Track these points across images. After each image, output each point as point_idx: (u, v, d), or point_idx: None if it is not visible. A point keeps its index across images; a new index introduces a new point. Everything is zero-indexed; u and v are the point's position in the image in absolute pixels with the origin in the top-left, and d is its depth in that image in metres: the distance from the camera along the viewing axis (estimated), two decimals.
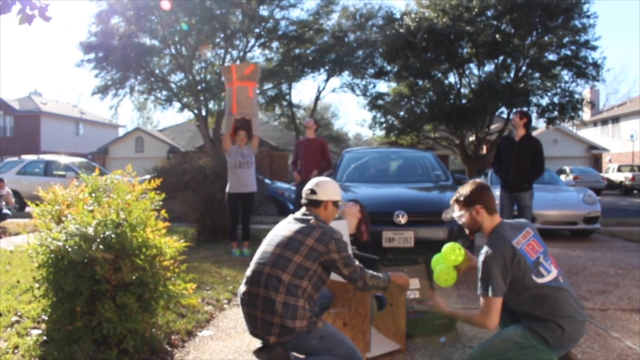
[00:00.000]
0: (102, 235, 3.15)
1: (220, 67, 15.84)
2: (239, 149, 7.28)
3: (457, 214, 3.04)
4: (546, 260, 2.84)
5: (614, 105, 45.29)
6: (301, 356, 2.85)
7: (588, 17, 20.52)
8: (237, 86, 7.37)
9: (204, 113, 22.19)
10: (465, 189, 3.00)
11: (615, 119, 38.49)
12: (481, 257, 2.84)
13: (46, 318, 3.32)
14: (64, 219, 3.35)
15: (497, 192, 6.58)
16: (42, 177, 14.91)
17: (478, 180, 3.08)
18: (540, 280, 2.77)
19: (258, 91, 24.42)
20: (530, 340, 2.76)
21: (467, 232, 3.04)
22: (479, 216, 2.94)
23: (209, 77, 22.09)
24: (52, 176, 14.66)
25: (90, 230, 3.15)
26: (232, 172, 7.25)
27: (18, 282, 4.85)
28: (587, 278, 6.02)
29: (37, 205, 3.52)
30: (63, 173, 14.68)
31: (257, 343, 2.92)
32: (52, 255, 3.18)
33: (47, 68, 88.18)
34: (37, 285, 3.30)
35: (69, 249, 3.08)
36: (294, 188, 13.54)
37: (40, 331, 3.48)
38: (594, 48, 20.81)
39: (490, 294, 2.75)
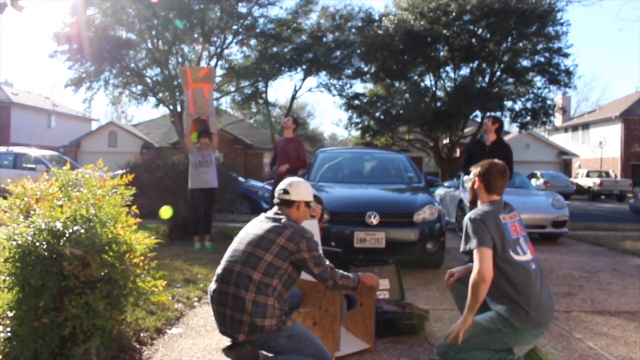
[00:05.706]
0: (71, 231, 3.12)
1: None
2: (200, 149, 7.64)
3: (469, 178, 3.29)
4: (525, 243, 3.01)
5: (585, 112, 46.33)
6: (270, 355, 2.86)
7: (561, 24, 20.96)
8: (193, 88, 7.76)
9: (179, 109, 21.97)
10: (484, 165, 3.17)
11: (585, 126, 39.37)
12: (468, 217, 3.01)
13: (11, 314, 3.26)
14: (32, 213, 3.30)
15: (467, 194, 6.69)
16: (11, 170, 14.53)
17: (499, 162, 3.20)
18: (515, 257, 2.91)
19: (233, 88, 24.45)
20: (497, 323, 2.88)
21: (469, 199, 3.29)
22: (478, 189, 3.15)
23: None
24: (21, 169, 14.30)
25: (59, 225, 3.11)
26: (194, 170, 7.64)
27: None
28: (554, 281, 6.16)
29: (5, 198, 3.46)
30: (33, 166, 14.35)
31: (227, 341, 2.93)
32: (19, 250, 3.13)
33: (19, 58, 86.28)
34: (2, 278, 3.24)
35: (37, 244, 3.04)
36: (268, 187, 13.52)
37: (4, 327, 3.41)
38: (566, 55, 21.29)
39: (481, 244, 2.88)
